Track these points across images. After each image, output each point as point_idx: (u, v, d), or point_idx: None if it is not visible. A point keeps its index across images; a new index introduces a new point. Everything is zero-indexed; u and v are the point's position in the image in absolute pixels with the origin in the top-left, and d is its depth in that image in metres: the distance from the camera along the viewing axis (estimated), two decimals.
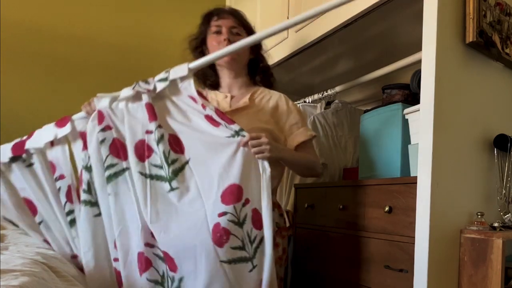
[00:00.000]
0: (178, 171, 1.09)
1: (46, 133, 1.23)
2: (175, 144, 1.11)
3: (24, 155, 1.24)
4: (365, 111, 1.64)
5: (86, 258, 1.16)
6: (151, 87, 1.14)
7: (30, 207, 1.26)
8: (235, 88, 1.38)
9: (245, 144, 1.08)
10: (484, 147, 1.20)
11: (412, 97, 1.46)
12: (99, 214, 1.16)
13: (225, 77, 1.39)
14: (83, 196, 1.16)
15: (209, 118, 1.11)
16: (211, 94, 1.40)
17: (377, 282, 1.25)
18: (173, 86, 1.15)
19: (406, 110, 1.32)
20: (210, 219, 1.04)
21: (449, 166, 1.07)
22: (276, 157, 1.15)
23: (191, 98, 1.13)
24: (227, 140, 1.09)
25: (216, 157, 1.08)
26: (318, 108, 2.01)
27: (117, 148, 1.13)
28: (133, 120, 1.14)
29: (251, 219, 1.04)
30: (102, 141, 1.12)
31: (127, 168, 1.12)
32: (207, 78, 1.42)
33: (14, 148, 1.24)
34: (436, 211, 1.02)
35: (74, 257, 1.25)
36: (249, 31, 1.38)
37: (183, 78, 1.14)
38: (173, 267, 1.07)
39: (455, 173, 1.09)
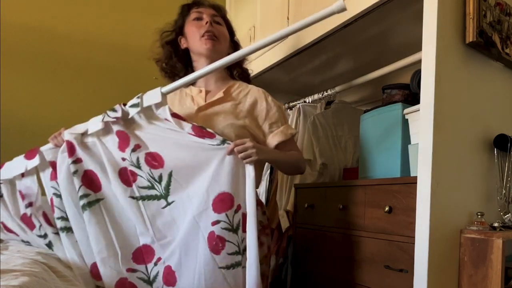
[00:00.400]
0: (168, 185, 1.11)
1: (16, 165, 1.28)
2: (153, 160, 1.13)
3: None
4: (365, 111, 1.64)
5: (85, 277, 1.18)
6: (119, 114, 1.16)
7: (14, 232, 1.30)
8: (211, 82, 1.34)
9: (231, 152, 1.08)
10: (484, 147, 1.20)
11: (412, 97, 1.46)
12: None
13: (201, 66, 1.30)
14: (60, 224, 1.20)
15: (191, 133, 1.12)
16: (185, 90, 1.36)
17: (377, 282, 1.25)
18: (148, 111, 1.16)
19: (406, 110, 1.31)
20: (203, 229, 1.06)
21: (449, 166, 1.07)
22: (263, 159, 1.16)
23: (168, 121, 1.14)
24: (212, 148, 1.09)
25: (204, 166, 1.09)
26: (318, 108, 2.01)
27: (89, 180, 1.16)
28: (107, 151, 1.17)
29: (242, 224, 1.06)
30: (75, 172, 1.16)
31: (101, 199, 1.15)
32: (177, 74, 1.38)
33: None
34: (436, 211, 1.02)
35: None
36: (229, 25, 1.38)
37: (157, 105, 1.14)
38: (172, 281, 1.10)
39: (455, 173, 1.09)
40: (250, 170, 1.08)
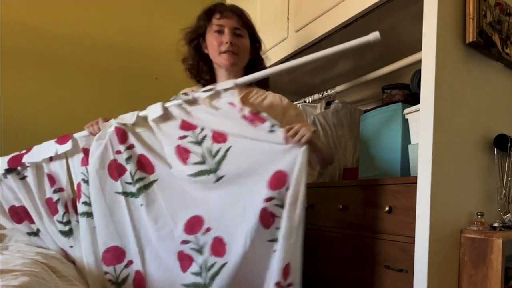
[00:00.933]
0: (221, 159, 1.14)
1: (46, 149, 1.32)
2: (218, 136, 1.16)
3: (19, 168, 1.33)
4: (365, 111, 1.64)
5: (90, 268, 1.22)
6: (190, 97, 1.21)
7: (27, 217, 1.34)
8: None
9: (287, 140, 1.09)
10: (484, 147, 1.20)
11: (412, 97, 1.46)
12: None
13: (221, 76, 1.38)
14: (83, 208, 1.24)
15: (246, 118, 1.14)
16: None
17: (377, 282, 1.25)
18: (215, 94, 1.21)
19: (406, 110, 1.31)
20: (255, 204, 1.08)
21: (449, 166, 1.07)
22: (313, 140, 1.16)
23: (230, 104, 1.17)
24: (266, 134, 1.12)
25: (257, 148, 1.12)
26: (318, 108, 2.01)
27: (142, 164, 1.21)
28: (168, 131, 1.22)
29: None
30: (128, 158, 1.21)
31: (155, 180, 1.19)
32: (202, 76, 1.41)
33: (10, 161, 1.33)
34: (436, 211, 1.02)
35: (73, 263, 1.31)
36: (252, 32, 1.37)
37: (227, 89, 1.19)
38: (221, 252, 1.11)
39: (455, 173, 1.09)
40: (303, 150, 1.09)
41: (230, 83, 1.19)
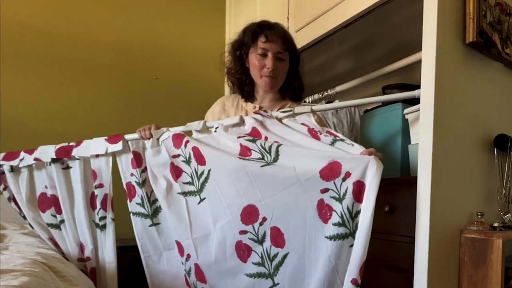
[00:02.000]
0: (278, 154, 1.15)
1: (97, 145, 1.38)
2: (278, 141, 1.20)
3: (64, 158, 1.41)
4: (365, 111, 1.64)
5: (148, 263, 1.35)
6: (269, 114, 1.26)
7: (56, 206, 1.41)
8: (266, 100, 1.43)
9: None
10: (484, 147, 1.20)
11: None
12: (152, 225, 1.34)
13: (259, 90, 1.43)
14: (137, 208, 1.34)
15: (311, 131, 1.18)
16: (241, 103, 1.46)
17: (377, 282, 1.25)
18: (291, 115, 1.26)
19: (406, 110, 1.31)
20: (312, 195, 1.06)
21: (449, 166, 1.07)
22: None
23: (303, 124, 1.21)
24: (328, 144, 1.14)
25: (314, 147, 1.14)
26: None
27: (198, 156, 1.25)
28: (233, 136, 1.25)
29: (351, 193, 1.02)
30: (189, 156, 1.27)
31: (209, 170, 1.22)
32: (244, 88, 1.45)
33: (58, 151, 1.40)
34: (436, 211, 1.02)
35: (81, 260, 1.38)
36: (294, 54, 1.40)
37: (304, 113, 1.24)
38: (280, 243, 1.11)
39: (455, 173, 1.09)
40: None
41: (307, 108, 1.24)
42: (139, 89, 2.25)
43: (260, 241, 1.14)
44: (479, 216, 1.10)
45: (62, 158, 1.40)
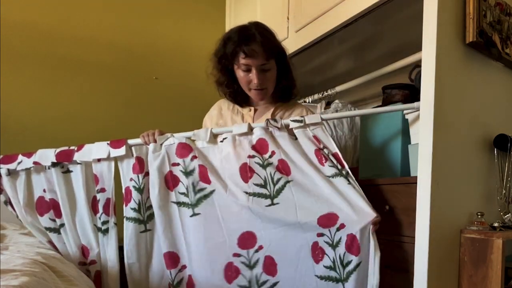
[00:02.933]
0: (281, 189, 1.19)
1: (99, 150, 1.36)
2: (282, 167, 1.22)
3: (65, 162, 1.38)
4: None
5: (131, 269, 1.31)
6: (278, 125, 1.26)
7: (55, 209, 1.39)
8: (260, 102, 1.44)
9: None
10: (484, 147, 1.20)
11: (412, 97, 1.46)
12: (144, 231, 1.32)
13: (254, 101, 1.44)
14: (130, 213, 1.31)
15: (318, 153, 1.21)
16: (237, 107, 1.46)
17: None
18: (303, 126, 1.26)
19: (406, 110, 1.31)
20: (309, 236, 1.15)
21: (449, 166, 1.07)
22: None
23: (315, 137, 1.24)
24: (331, 175, 1.18)
25: (316, 186, 1.18)
26: (318, 108, 2.01)
27: (204, 174, 1.26)
28: (239, 149, 1.26)
29: (344, 243, 1.11)
30: (192, 170, 1.27)
31: (213, 190, 1.24)
32: (237, 98, 1.45)
33: (58, 155, 1.37)
34: (436, 211, 1.02)
35: (83, 263, 1.37)
36: (278, 58, 1.35)
37: (315, 124, 1.25)
38: (273, 271, 1.18)
39: (455, 173, 1.09)
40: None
41: (317, 118, 1.25)
42: (139, 89, 2.25)
43: (252, 267, 1.19)
44: (479, 216, 1.10)
45: (62, 162, 1.38)
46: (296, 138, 1.25)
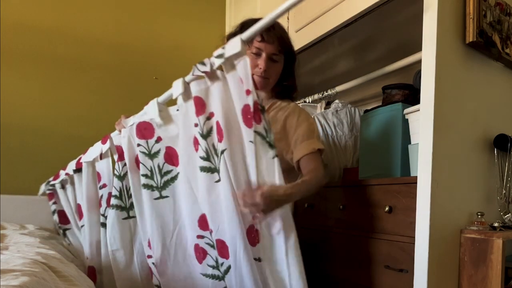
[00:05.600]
0: (223, 163, 1.05)
1: (95, 149, 1.47)
2: (218, 133, 1.06)
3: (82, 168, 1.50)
4: (365, 111, 1.64)
5: (115, 256, 1.33)
6: (207, 68, 1.06)
7: (79, 212, 1.54)
8: (258, 98, 1.39)
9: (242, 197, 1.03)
10: (484, 147, 1.20)
11: (412, 97, 1.46)
12: (127, 218, 1.33)
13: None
14: (114, 201, 1.34)
15: (244, 111, 1.01)
16: None
17: (377, 282, 1.25)
18: (229, 67, 1.04)
19: (406, 110, 1.31)
20: (245, 219, 1.04)
21: (449, 166, 1.07)
22: (275, 209, 1.09)
23: (240, 79, 1.02)
24: (259, 140, 1.02)
25: (249, 160, 1.03)
26: (318, 108, 2.01)
27: (170, 156, 1.22)
28: (186, 119, 1.14)
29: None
30: (157, 152, 1.23)
31: (179, 173, 1.20)
32: None
33: (77, 163, 1.54)
34: (436, 211, 1.02)
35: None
36: (289, 55, 1.36)
37: (238, 55, 1.01)
38: (225, 254, 1.10)
39: (455, 173, 1.09)
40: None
41: (237, 42, 0.99)
42: (139, 89, 2.25)
43: (214, 247, 1.13)
44: (479, 216, 1.10)
45: (80, 168, 1.52)
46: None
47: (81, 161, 1.51)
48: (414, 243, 1.06)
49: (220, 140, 1.05)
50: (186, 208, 1.17)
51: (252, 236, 1.05)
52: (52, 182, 1.75)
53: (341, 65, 2.01)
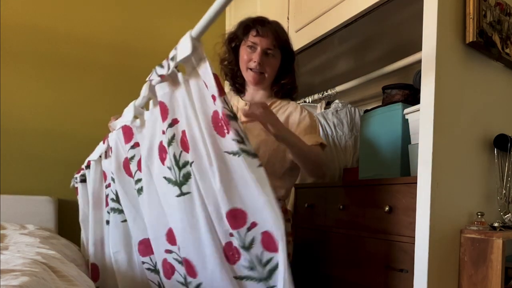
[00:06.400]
0: (188, 176, 0.95)
1: (99, 148, 1.48)
2: (183, 143, 0.96)
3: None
4: (365, 111, 1.64)
5: (116, 258, 1.32)
6: (164, 70, 0.97)
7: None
8: (256, 97, 1.40)
9: (247, 116, 1.03)
10: (484, 147, 1.20)
11: (412, 97, 1.46)
12: (124, 220, 1.29)
13: (250, 86, 1.39)
14: (112, 204, 1.33)
15: (214, 119, 0.90)
16: (233, 100, 1.41)
17: (377, 282, 1.25)
18: (191, 67, 0.94)
19: (406, 110, 1.32)
20: (220, 235, 0.95)
21: (449, 166, 1.07)
22: (268, 122, 1.07)
23: (205, 84, 0.91)
24: (229, 155, 0.89)
25: (218, 168, 0.89)
26: (318, 108, 2.01)
27: (140, 163, 1.17)
28: (155, 125, 1.06)
29: (260, 242, 0.90)
30: (132, 157, 1.18)
31: (140, 180, 1.15)
32: (236, 80, 1.42)
33: (88, 160, 1.56)
34: (436, 211, 1.02)
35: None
36: (286, 53, 1.36)
37: (196, 57, 0.92)
38: (193, 274, 1.01)
39: (455, 173, 1.09)
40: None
41: (187, 42, 0.89)
42: (139, 89, 2.24)
43: (182, 264, 1.04)
44: (479, 216, 1.10)
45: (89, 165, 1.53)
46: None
47: (88, 159, 1.55)
48: (414, 243, 1.06)
49: (186, 150, 0.94)
50: (152, 220, 1.12)
51: (231, 253, 0.94)
52: (75, 175, 1.79)
53: (341, 65, 2.01)
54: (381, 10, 1.38)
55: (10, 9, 1.93)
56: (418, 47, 1.14)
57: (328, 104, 2.00)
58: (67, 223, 2.04)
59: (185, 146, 0.95)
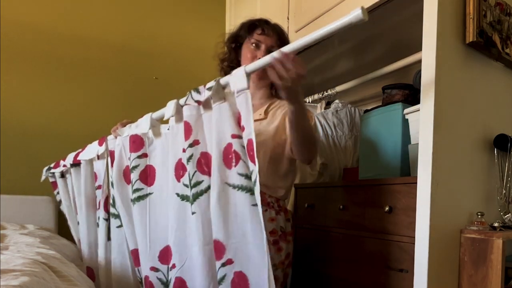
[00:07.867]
0: (198, 195, 0.96)
1: (92, 149, 1.44)
2: (205, 163, 0.98)
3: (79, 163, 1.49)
4: (365, 111, 1.64)
5: (114, 264, 1.33)
6: (202, 97, 0.99)
7: (75, 207, 1.56)
8: (256, 97, 1.40)
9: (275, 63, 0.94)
10: (484, 147, 1.20)
11: (412, 97, 1.46)
12: (121, 226, 1.30)
13: (250, 86, 1.37)
14: (111, 209, 1.34)
15: (227, 155, 0.92)
16: None
17: (377, 282, 1.25)
18: (230, 97, 0.98)
19: (406, 110, 1.32)
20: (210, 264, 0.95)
21: (449, 166, 1.07)
22: (294, 95, 1.09)
23: (239, 114, 0.94)
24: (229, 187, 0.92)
25: (223, 200, 0.91)
26: (318, 108, 2.01)
27: (146, 175, 1.19)
28: (175, 141, 1.08)
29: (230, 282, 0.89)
30: (135, 166, 1.19)
31: (150, 193, 1.17)
32: None
33: (75, 157, 1.50)
34: (436, 211, 1.02)
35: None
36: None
37: (240, 90, 0.94)
38: None
39: (455, 173, 1.09)
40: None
41: (241, 73, 0.92)
42: (139, 89, 2.25)
43: (167, 286, 1.05)
44: (479, 216, 1.10)
45: (79, 164, 1.49)
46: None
47: (78, 158, 1.49)
48: (414, 243, 1.05)
49: (200, 171, 0.97)
50: (143, 234, 1.13)
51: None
52: (52, 170, 1.74)
53: (341, 65, 2.01)
54: (381, 10, 1.38)
55: (11, 9, 1.93)
56: (418, 47, 1.13)
57: (328, 104, 2.00)
58: (67, 223, 2.04)
59: (200, 167, 0.98)
